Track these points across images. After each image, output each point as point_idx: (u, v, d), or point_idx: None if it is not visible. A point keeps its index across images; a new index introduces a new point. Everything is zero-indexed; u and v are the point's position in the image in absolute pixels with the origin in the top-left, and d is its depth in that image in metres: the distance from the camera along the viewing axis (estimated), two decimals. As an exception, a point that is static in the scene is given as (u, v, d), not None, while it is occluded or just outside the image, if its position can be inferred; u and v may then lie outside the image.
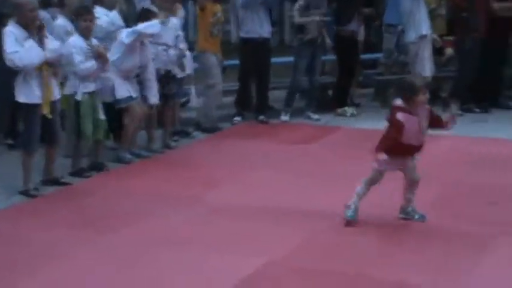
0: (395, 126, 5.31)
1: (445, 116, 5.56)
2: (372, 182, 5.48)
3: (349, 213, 5.47)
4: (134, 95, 7.38)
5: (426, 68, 9.34)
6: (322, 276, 4.52)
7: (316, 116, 9.49)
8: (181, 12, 8.60)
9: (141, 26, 7.25)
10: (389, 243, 5.15)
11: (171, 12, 7.99)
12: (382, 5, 10.56)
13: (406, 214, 5.57)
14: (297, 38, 9.37)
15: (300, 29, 9.28)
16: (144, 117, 7.57)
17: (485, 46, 9.53)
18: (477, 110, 9.68)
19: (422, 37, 9.32)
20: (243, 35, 9.16)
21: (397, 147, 5.32)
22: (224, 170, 7.11)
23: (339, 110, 9.74)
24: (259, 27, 9.14)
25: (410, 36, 9.39)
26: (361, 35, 9.80)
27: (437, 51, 9.93)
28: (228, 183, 6.64)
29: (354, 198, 5.48)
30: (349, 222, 5.44)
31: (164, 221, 5.57)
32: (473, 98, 9.76)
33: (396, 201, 5.56)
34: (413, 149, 5.45)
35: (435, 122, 5.46)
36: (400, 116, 5.29)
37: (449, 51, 10.55)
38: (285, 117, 9.41)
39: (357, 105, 10.10)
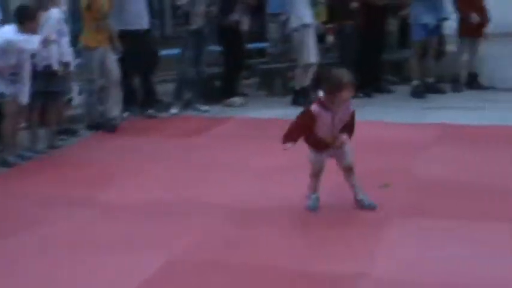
0: (306, 116, 5.23)
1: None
2: (314, 172, 5.42)
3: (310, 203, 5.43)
4: (7, 92, 7.04)
5: (311, 55, 9.47)
6: (224, 269, 4.46)
7: (205, 108, 9.42)
8: (63, 2, 8.20)
9: (19, 40, 6.89)
10: (292, 234, 5.13)
11: (53, 3, 7.64)
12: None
13: (358, 202, 5.46)
14: (184, 28, 9.24)
15: (186, 19, 9.16)
16: (22, 116, 7.25)
17: (364, 33, 9.76)
18: (360, 95, 9.88)
19: (306, 26, 9.44)
20: (121, 27, 8.66)
21: (312, 139, 5.27)
22: (114, 168, 6.91)
23: (227, 101, 9.72)
24: (138, 18, 8.89)
25: (294, 24, 9.49)
26: (245, 25, 9.79)
27: (320, 39, 10.08)
28: (120, 181, 6.46)
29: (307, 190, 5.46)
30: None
31: (57, 225, 5.34)
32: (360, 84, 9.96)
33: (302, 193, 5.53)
34: (326, 145, 5.36)
35: (345, 128, 5.35)
36: (314, 107, 5.21)
37: (330, 38, 10.77)
38: (174, 111, 9.28)
39: (244, 95, 10.11)
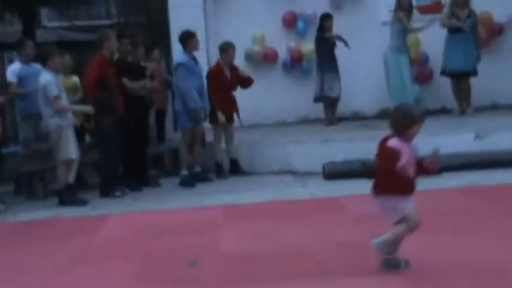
0: (389, 155, 4.77)
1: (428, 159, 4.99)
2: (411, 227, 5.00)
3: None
4: None
5: (71, 151, 8.91)
6: None
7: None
8: None
9: None
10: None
11: None
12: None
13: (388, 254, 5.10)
14: None
15: None
16: None
17: (125, 126, 9.47)
18: (128, 190, 9.50)
19: (63, 123, 8.91)
20: None
21: (398, 182, 4.82)
22: None
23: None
24: None
25: (51, 122, 8.90)
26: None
27: (78, 137, 9.58)
28: None
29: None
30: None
31: None
32: (122, 179, 9.59)
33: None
34: (412, 184, 4.93)
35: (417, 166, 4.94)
36: (393, 142, 4.80)
37: (87, 138, 10.35)
38: None
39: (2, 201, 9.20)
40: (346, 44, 11.13)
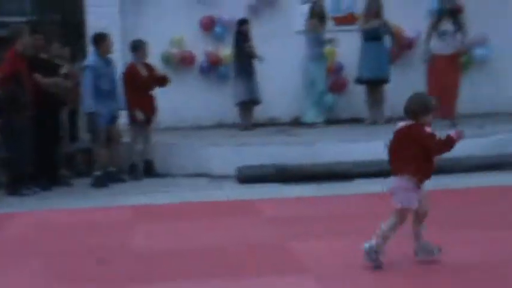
0: (429, 139, 5.06)
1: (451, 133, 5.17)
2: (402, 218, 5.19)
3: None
4: None
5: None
6: None
7: None
8: None
9: None
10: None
11: None
12: None
13: (427, 252, 5.27)
14: None
15: None
16: None
17: (37, 123, 9.28)
18: (37, 189, 9.29)
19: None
20: None
21: (424, 166, 5.13)
22: None
23: None
24: None
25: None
26: None
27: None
28: None
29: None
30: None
31: None
32: (32, 177, 9.37)
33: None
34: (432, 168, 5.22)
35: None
36: (428, 129, 5.09)
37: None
38: None
39: None
40: (260, 59, 11.24)
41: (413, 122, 5.15)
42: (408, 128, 5.16)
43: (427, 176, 5.18)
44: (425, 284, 4.99)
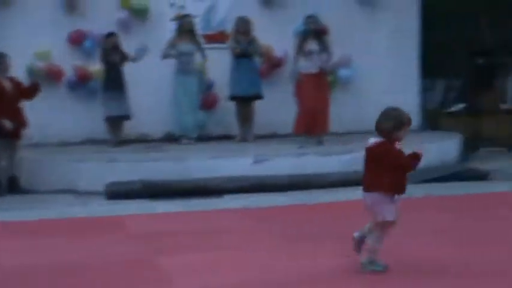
0: (398, 155, 5.10)
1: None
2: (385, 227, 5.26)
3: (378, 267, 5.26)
4: None
5: None
6: None
7: None
8: None
9: None
10: None
11: None
12: None
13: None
14: None
15: None
16: None
17: None
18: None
19: None
20: None
21: (394, 179, 5.16)
22: None
23: None
24: None
25: None
26: None
27: None
28: None
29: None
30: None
31: None
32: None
33: None
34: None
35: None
36: (398, 146, 5.11)
37: None
38: None
39: None
40: (136, 58, 11.18)
41: (383, 140, 5.15)
42: (378, 146, 5.17)
43: (400, 192, 5.25)
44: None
